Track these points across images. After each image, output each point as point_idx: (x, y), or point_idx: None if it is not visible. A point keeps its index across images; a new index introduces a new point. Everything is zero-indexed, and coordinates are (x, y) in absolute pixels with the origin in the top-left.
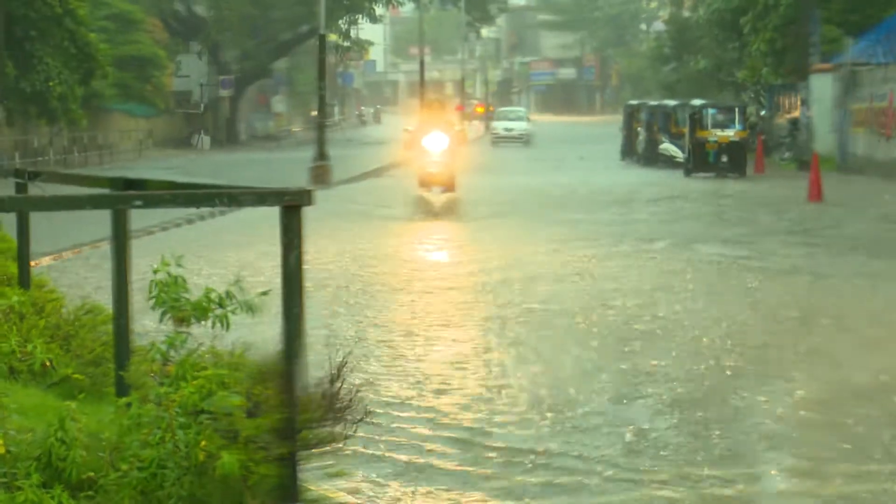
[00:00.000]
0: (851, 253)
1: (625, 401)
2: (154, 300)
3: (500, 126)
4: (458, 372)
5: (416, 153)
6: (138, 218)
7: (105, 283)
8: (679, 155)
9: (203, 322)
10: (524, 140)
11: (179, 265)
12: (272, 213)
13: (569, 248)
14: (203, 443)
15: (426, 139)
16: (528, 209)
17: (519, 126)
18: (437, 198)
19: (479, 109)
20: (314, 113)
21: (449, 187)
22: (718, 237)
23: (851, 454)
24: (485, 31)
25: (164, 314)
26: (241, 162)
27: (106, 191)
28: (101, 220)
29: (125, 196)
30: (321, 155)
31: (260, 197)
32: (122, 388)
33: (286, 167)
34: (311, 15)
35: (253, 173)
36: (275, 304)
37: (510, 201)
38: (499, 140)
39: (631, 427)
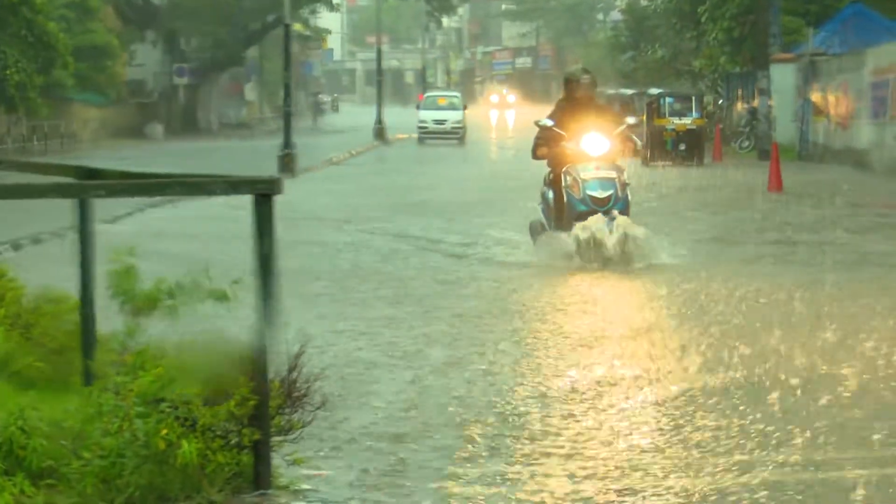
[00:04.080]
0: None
1: None
2: (112, 290)
3: (428, 117)
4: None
5: (558, 161)
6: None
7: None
8: (637, 143)
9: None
10: (458, 136)
11: (132, 255)
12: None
13: None
14: (164, 431)
15: (586, 141)
16: None
17: (453, 117)
18: None
19: (441, 101)
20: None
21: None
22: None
23: None
24: (448, 21)
25: (122, 304)
26: (196, 151)
27: (70, 180)
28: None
29: (91, 185)
30: (287, 143)
31: (233, 185)
32: (89, 377)
33: (251, 156)
34: (275, 4)
35: (208, 163)
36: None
37: None
38: (427, 136)
39: None
